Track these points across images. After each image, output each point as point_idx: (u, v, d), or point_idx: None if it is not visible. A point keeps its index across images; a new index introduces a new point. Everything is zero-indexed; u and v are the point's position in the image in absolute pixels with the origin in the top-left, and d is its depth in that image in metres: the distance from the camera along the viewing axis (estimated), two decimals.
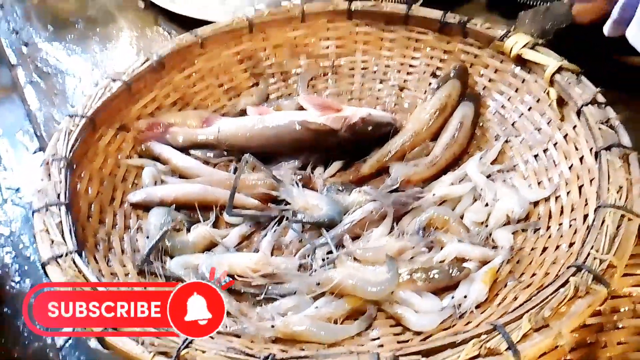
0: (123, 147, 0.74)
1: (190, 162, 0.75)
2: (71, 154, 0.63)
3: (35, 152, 0.90)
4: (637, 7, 0.66)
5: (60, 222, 0.54)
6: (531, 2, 1.02)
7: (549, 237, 0.59)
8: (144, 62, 0.77)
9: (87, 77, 0.96)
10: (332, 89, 0.88)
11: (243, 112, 0.81)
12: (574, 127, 0.65)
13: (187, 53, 0.81)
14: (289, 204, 0.68)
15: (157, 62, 0.77)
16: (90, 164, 0.68)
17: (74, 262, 0.50)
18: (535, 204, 0.65)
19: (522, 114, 0.74)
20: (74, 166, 0.63)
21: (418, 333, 0.54)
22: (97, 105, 0.70)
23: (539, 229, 0.62)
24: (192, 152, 0.77)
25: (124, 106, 0.75)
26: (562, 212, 0.61)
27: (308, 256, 0.63)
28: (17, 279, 0.73)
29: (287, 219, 0.67)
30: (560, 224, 0.59)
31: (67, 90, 0.94)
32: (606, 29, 0.73)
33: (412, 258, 0.62)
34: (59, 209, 0.56)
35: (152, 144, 0.76)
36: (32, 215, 0.55)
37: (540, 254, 0.58)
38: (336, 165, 0.76)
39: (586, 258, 0.48)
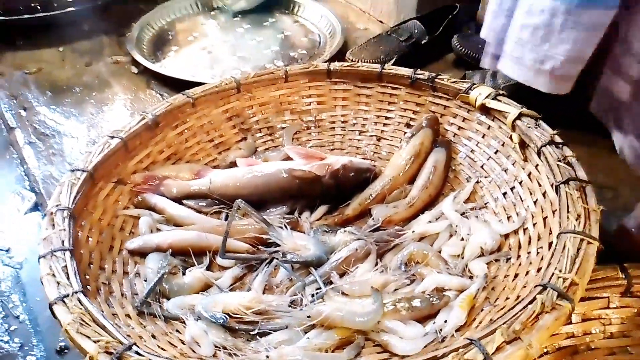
0: (120, 199, 0.79)
1: (184, 211, 0.80)
2: (73, 205, 0.67)
3: (26, 213, 0.94)
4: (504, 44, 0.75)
5: (65, 266, 0.58)
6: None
7: (519, 264, 0.65)
8: (140, 121, 0.82)
9: (84, 137, 1.01)
10: (315, 141, 0.95)
11: (233, 165, 0.87)
12: (536, 165, 0.71)
13: (179, 112, 0.87)
14: (279, 246, 0.73)
15: (152, 121, 0.83)
16: (90, 215, 0.72)
17: (80, 301, 0.54)
18: (506, 236, 0.70)
19: (489, 157, 0.81)
20: (76, 217, 0.67)
21: (404, 357, 0.58)
22: (97, 160, 0.75)
23: (510, 258, 0.67)
24: (185, 202, 0.82)
25: (121, 161, 0.80)
26: (529, 242, 0.66)
27: (298, 293, 0.67)
28: (6, 338, 0.75)
29: (277, 259, 0.71)
30: (529, 253, 0.65)
31: (65, 149, 0.99)
32: (484, 64, 0.83)
33: (395, 290, 0.66)
34: (64, 254, 0.59)
35: (148, 196, 0.80)
36: (39, 261, 0.59)
37: (512, 280, 0.63)
38: (322, 209, 0.81)
39: (551, 278, 0.53)
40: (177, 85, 1.09)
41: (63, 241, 0.62)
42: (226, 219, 0.77)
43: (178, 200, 0.82)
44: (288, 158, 0.85)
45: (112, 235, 0.74)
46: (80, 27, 1.31)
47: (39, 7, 1.27)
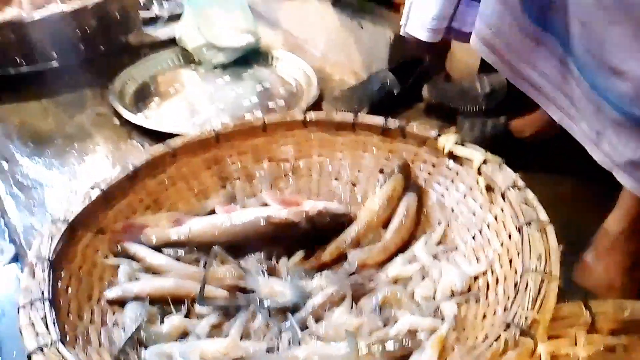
0: (100, 248, 0.80)
1: (163, 260, 0.81)
2: (53, 255, 0.69)
3: (5, 265, 0.94)
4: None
5: (45, 316, 0.59)
6: (462, 108, 1.19)
7: (488, 304, 0.67)
8: (121, 172, 0.85)
9: (65, 188, 1.03)
10: (292, 187, 0.97)
11: (212, 212, 0.89)
12: (501, 208, 0.75)
13: (159, 162, 0.89)
14: (256, 292, 0.74)
15: (132, 171, 0.86)
16: (70, 264, 0.73)
17: (58, 351, 0.55)
18: (475, 277, 0.73)
19: (458, 201, 0.84)
20: (56, 267, 0.69)
21: None
22: (77, 211, 0.77)
23: (479, 298, 0.69)
24: (164, 250, 0.83)
25: (101, 211, 0.82)
26: (497, 282, 0.69)
27: (275, 339, 0.68)
28: None
29: (254, 306, 0.73)
30: (496, 292, 0.67)
31: (46, 200, 1.00)
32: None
33: (370, 333, 0.68)
34: (43, 304, 0.60)
35: (127, 245, 0.81)
36: (18, 311, 0.60)
37: (482, 320, 0.65)
38: (299, 254, 0.84)
39: (514, 316, 0.55)
40: (158, 135, 1.12)
41: (43, 291, 0.63)
42: (204, 267, 0.79)
43: (157, 248, 0.83)
44: (266, 205, 0.88)
45: (91, 285, 0.75)
46: (64, 80, 1.35)
47: (23, 62, 1.30)
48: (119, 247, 0.81)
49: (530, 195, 0.72)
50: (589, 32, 0.64)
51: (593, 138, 0.70)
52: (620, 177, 0.67)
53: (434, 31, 1.01)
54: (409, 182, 0.90)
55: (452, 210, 0.85)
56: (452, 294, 0.71)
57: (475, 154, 0.82)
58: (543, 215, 0.68)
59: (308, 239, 0.84)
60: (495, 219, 0.76)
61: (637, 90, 0.61)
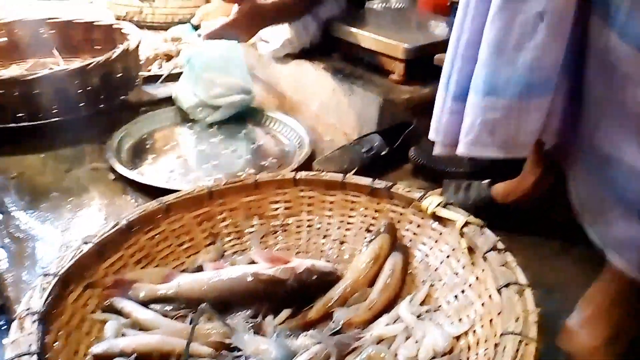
0: (89, 303, 0.81)
1: (150, 315, 0.82)
2: (43, 309, 0.70)
3: None
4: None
5: None
6: (448, 170, 1.23)
7: None
8: (114, 226, 0.87)
9: (58, 242, 1.04)
10: (281, 244, 1.00)
11: (201, 268, 0.91)
12: (483, 270, 0.77)
13: (152, 217, 0.92)
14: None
15: (125, 226, 0.88)
16: (59, 318, 0.74)
17: None
18: (457, 337, 0.74)
19: (442, 261, 0.87)
20: (45, 321, 0.70)
21: None
22: (69, 265, 0.78)
23: (461, 359, 0.71)
24: (152, 306, 0.84)
25: (93, 265, 0.83)
26: (478, 343, 0.70)
27: None
28: None
29: None
30: (477, 353, 0.69)
31: (37, 253, 1.01)
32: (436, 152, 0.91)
33: None
34: (30, 358, 0.61)
35: (116, 300, 0.83)
36: None
37: None
38: (285, 312, 0.85)
39: None
40: (152, 191, 1.15)
41: (30, 344, 0.63)
42: (191, 323, 0.79)
43: (145, 303, 0.84)
44: (254, 262, 0.90)
45: (79, 339, 0.75)
46: (64, 135, 1.39)
47: (25, 117, 1.35)
48: (108, 302, 0.82)
49: (510, 258, 0.75)
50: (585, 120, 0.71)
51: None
52: (610, 255, 0.71)
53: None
54: (395, 242, 0.93)
55: (436, 270, 0.87)
56: (435, 355, 0.72)
57: (457, 216, 0.85)
58: (522, 278, 0.71)
59: (295, 296, 0.85)
60: (477, 280, 0.78)
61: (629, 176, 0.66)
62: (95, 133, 1.41)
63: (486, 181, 1.10)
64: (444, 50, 1.32)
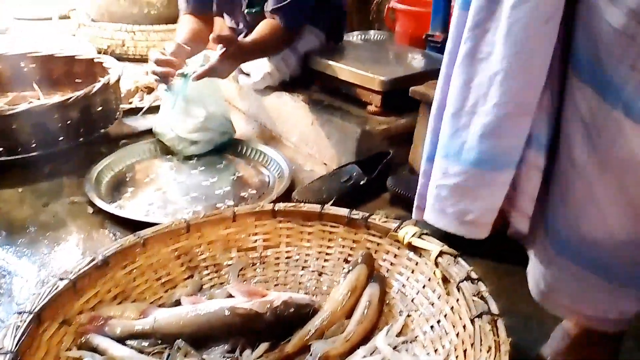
0: (64, 340, 0.80)
1: (126, 352, 0.81)
2: (16, 347, 0.69)
3: None
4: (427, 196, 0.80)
5: None
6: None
7: None
8: (90, 262, 0.87)
9: (34, 278, 1.03)
10: (260, 277, 1.00)
11: (178, 303, 0.90)
12: (457, 300, 0.78)
13: (129, 252, 0.92)
14: None
15: (102, 261, 0.87)
16: (33, 356, 0.73)
17: None
18: None
19: (418, 291, 0.88)
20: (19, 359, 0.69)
21: None
22: (44, 302, 0.78)
23: None
24: (128, 342, 0.83)
25: (68, 302, 0.83)
26: None
27: None
28: None
29: None
30: None
31: (14, 290, 1.00)
32: (413, 215, 0.86)
33: None
34: None
35: (91, 336, 0.82)
36: None
37: None
38: (263, 346, 0.84)
39: None
40: (130, 224, 1.15)
41: None
42: (168, 359, 0.79)
43: (122, 340, 0.83)
44: (232, 295, 0.90)
45: None
46: (43, 168, 1.39)
47: (3, 151, 1.34)
48: (83, 339, 0.81)
49: (483, 288, 0.76)
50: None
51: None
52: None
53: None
54: (373, 272, 0.93)
55: (413, 301, 0.88)
56: None
57: (432, 246, 0.86)
58: (494, 308, 0.72)
59: (273, 330, 0.85)
60: (452, 310, 0.79)
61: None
62: (75, 166, 1.41)
63: None
64: (420, 82, 1.37)
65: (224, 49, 1.31)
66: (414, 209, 0.85)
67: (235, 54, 1.35)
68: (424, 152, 0.79)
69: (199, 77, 1.31)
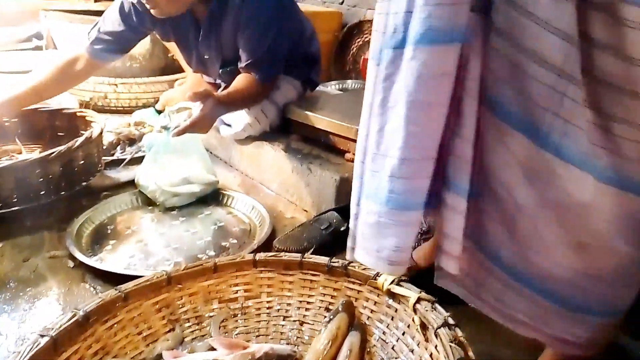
0: None
1: None
2: None
3: None
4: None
5: None
6: None
7: None
8: (71, 318, 0.86)
9: (13, 335, 1.02)
10: (242, 328, 1.00)
11: (160, 357, 0.90)
12: (435, 346, 0.80)
13: (110, 306, 0.92)
14: None
15: (83, 317, 0.87)
16: None
17: None
18: None
19: (398, 338, 0.89)
20: None
21: None
22: None
23: None
24: None
25: (49, 359, 0.82)
26: None
27: None
28: None
29: None
30: None
31: None
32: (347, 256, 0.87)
33: None
34: None
35: None
36: None
37: None
38: None
39: None
40: (111, 278, 1.15)
41: None
42: None
43: None
44: (213, 348, 0.90)
45: None
46: (23, 223, 1.39)
47: None
48: None
49: (460, 333, 0.78)
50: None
51: None
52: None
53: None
54: (354, 320, 0.95)
55: (393, 348, 0.89)
56: None
57: (410, 292, 0.88)
58: (471, 354, 0.74)
59: None
60: (431, 356, 0.81)
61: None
62: (56, 220, 1.42)
63: None
64: None
65: (202, 105, 1.35)
66: (347, 250, 0.86)
67: (214, 108, 1.39)
68: (353, 196, 0.83)
69: (180, 133, 1.34)
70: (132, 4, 1.62)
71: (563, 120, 0.63)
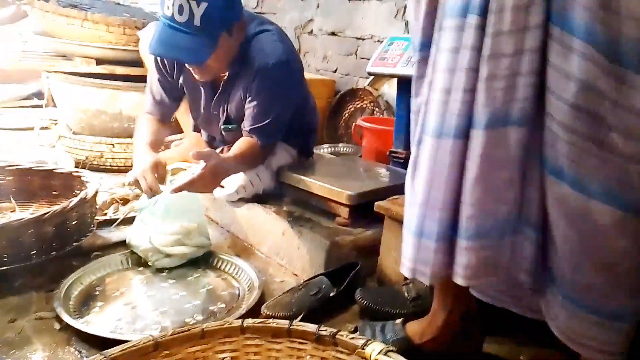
0: None
1: None
2: None
3: None
4: None
5: None
6: (391, 311, 1.28)
7: None
8: None
9: None
10: None
11: None
12: None
13: None
14: None
15: None
16: None
17: None
18: None
19: None
20: None
21: None
22: None
23: None
24: None
25: None
26: None
27: None
28: None
29: None
30: None
31: None
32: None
33: None
34: None
35: None
36: None
37: None
38: None
39: None
40: (97, 341, 1.14)
41: None
42: None
43: None
44: None
45: None
46: (11, 283, 1.38)
47: None
48: None
49: None
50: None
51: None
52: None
53: None
54: None
55: None
56: None
57: None
58: None
59: None
60: None
61: None
62: (45, 280, 1.41)
63: (399, 321, 1.17)
64: (385, 197, 1.46)
65: (205, 164, 1.40)
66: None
67: (217, 169, 1.43)
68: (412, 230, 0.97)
69: (177, 190, 1.37)
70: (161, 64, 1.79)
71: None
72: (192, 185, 1.40)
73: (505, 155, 0.87)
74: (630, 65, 0.75)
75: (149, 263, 1.51)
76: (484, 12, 0.82)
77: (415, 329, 1.13)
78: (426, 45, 0.95)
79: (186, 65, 1.68)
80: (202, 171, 1.39)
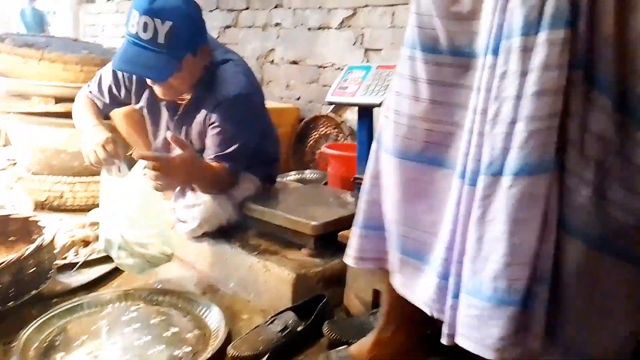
0: None
1: None
2: None
3: None
4: None
5: None
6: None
7: None
8: None
9: None
10: None
11: None
12: None
13: None
14: None
15: None
16: None
17: None
18: None
19: None
20: None
21: None
22: None
23: None
24: None
25: None
26: None
27: None
28: None
29: None
30: None
31: None
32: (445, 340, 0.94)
33: None
34: None
35: None
36: None
37: None
38: None
39: None
40: None
41: None
42: None
43: None
44: None
45: None
46: None
47: None
48: None
49: None
50: None
51: None
52: None
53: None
54: None
55: None
56: None
57: None
58: None
59: None
60: None
61: None
62: (1, 333, 1.35)
63: (342, 347, 1.18)
64: (349, 225, 1.46)
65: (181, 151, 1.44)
66: (443, 336, 0.91)
67: (190, 160, 1.47)
68: (449, 290, 0.90)
69: (144, 156, 1.43)
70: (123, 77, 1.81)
71: None
72: (158, 161, 1.41)
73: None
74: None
75: (113, 257, 1.52)
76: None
77: (358, 349, 1.15)
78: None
79: (149, 83, 1.68)
80: (174, 156, 1.41)
